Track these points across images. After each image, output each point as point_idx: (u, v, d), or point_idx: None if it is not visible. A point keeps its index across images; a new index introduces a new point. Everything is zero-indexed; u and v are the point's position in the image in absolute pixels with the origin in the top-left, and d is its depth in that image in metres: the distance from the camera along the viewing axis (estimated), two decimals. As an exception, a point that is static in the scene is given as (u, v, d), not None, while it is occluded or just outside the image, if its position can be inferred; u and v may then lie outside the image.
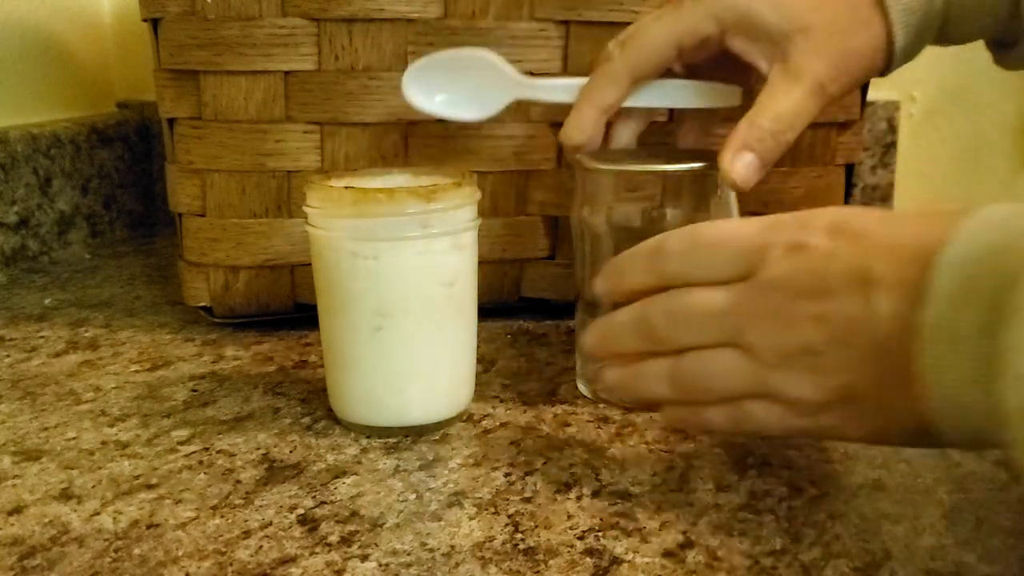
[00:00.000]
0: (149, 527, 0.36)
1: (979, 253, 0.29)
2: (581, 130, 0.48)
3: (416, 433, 0.44)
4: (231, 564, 0.33)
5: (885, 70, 0.48)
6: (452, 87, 0.51)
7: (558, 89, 0.50)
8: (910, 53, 0.48)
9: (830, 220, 0.34)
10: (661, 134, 0.59)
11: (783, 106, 0.45)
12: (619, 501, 0.38)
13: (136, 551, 0.34)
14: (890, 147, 0.91)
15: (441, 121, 0.56)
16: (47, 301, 0.68)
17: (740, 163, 0.45)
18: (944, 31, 0.49)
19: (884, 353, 0.31)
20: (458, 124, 0.53)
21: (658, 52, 0.47)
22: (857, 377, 0.33)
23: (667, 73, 0.48)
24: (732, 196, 0.47)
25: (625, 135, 0.51)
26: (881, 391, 0.32)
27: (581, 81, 0.48)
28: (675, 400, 0.38)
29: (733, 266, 0.35)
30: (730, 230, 0.36)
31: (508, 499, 0.38)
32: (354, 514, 0.37)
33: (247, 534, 0.35)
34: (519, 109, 0.57)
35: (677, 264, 0.37)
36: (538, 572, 0.33)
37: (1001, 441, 0.28)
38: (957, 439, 0.31)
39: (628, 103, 0.48)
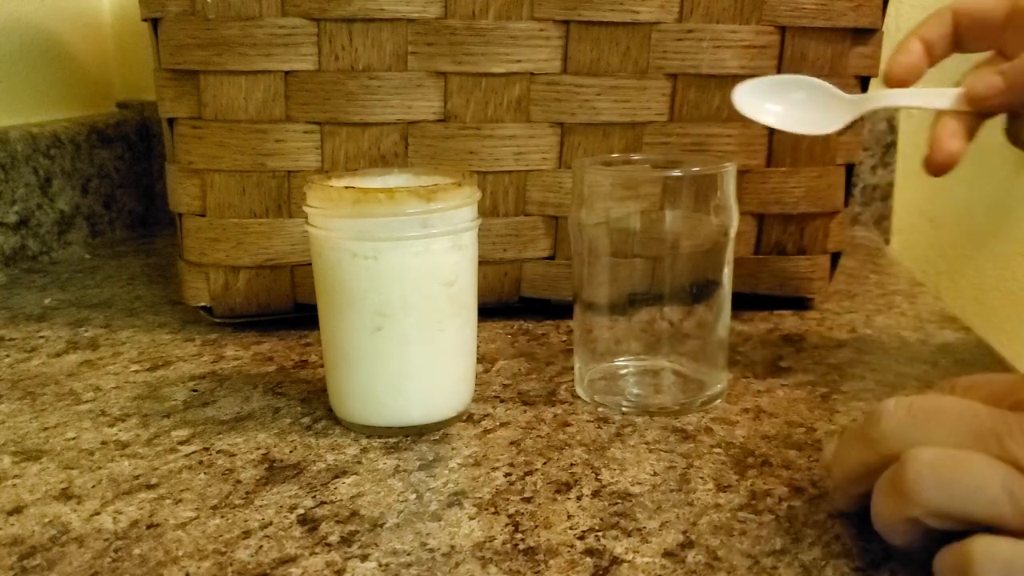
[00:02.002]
0: (149, 527, 0.36)
1: None
2: (906, 53, 0.49)
3: (416, 433, 0.44)
4: (231, 564, 0.33)
5: None
6: (783, 103, 0.52)
7: (894, 96, 0.50)
8: None
9: None
10: (660, 134, 0.59)
11: None
12: (619, 501, 0.38)
13: (136, 551, 0.34)
14: (890, 147, 0.91)
15: (441, 121, 0.57)
16: (47, 301, 0.68)
17: (982, 81, 0.47)
18: None
19: None
20: (458, 125, 0.54)
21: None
22: None
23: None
24: (732, 197, 0.47)
25: (955, 144, 0.48)
26: None
27: (919, 90, 0.49)
28: None
29: None
30: None
31: (508, 499, 0.38)
32: (354, 514, 0.37)
33: (247, 534, 0.36)
34: (519, 109, 0.57)
35: None
36: (538, 572, 0.33)
37: None
38: None
39: (888, 102, 0.50)
